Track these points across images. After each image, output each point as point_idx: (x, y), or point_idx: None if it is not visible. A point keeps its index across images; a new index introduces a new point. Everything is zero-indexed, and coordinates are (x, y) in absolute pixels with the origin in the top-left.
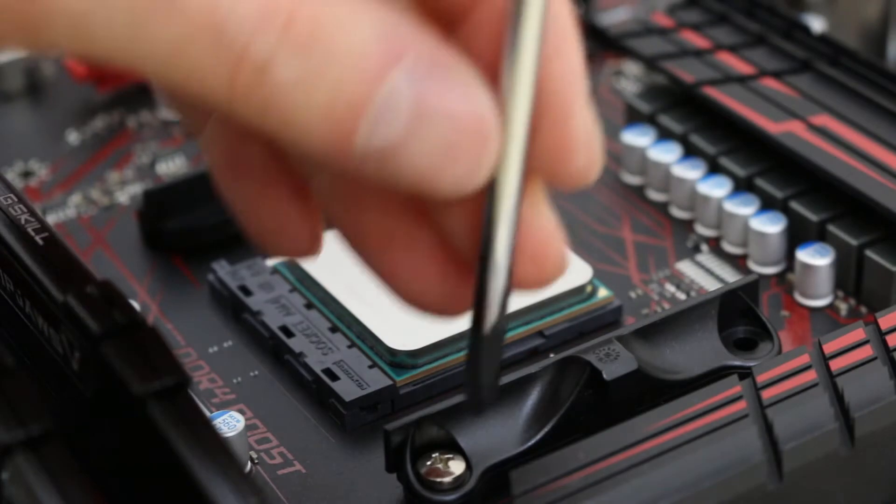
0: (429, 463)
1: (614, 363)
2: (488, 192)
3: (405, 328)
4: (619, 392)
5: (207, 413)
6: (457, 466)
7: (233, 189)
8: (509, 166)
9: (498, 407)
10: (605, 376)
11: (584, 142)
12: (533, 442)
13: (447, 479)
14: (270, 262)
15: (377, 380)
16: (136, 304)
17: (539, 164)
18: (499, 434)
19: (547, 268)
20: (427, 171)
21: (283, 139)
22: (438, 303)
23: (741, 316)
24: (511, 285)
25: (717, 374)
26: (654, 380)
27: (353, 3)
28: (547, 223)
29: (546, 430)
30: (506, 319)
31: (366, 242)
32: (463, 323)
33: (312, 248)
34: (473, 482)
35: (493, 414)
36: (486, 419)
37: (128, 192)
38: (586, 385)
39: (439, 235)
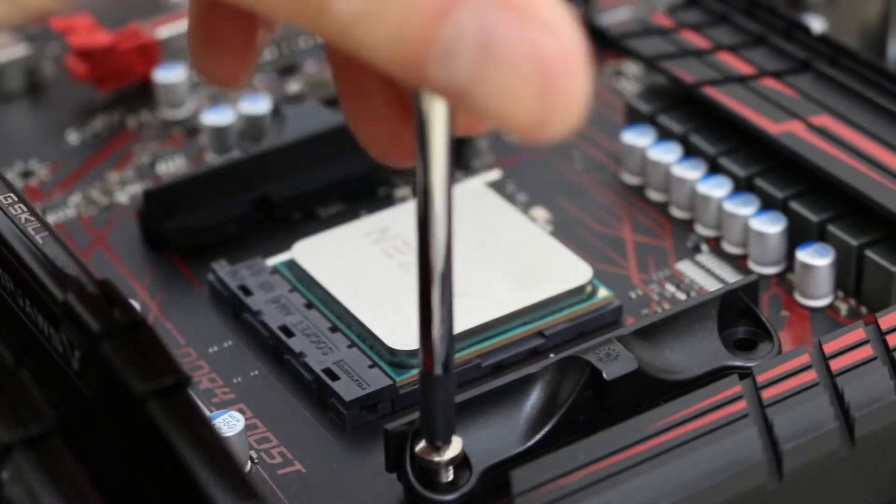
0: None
1: (614, 363)
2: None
3: (405, 328)
4: (620, 392)
5: (207, 413)
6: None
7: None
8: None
9: (498, 407)
10: (605, 376)
11: None
12: (533, 442)
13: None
14: (270, 262)
15: (377, 379)
16: (136, 304)
17: None
18: (499, 434)
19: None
20: (505, 112)
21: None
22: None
23: (741, 316)
24: (452, 335)
25: (717, 375)
26: (654, 380)
27: None
28: None
29: (546, 430)
30: (452, 362)
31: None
32: (463, 323)
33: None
34: (473, 482)
35: (493, 414)
36: (487, 419)
37: (128, 192)
38: (586, 385)
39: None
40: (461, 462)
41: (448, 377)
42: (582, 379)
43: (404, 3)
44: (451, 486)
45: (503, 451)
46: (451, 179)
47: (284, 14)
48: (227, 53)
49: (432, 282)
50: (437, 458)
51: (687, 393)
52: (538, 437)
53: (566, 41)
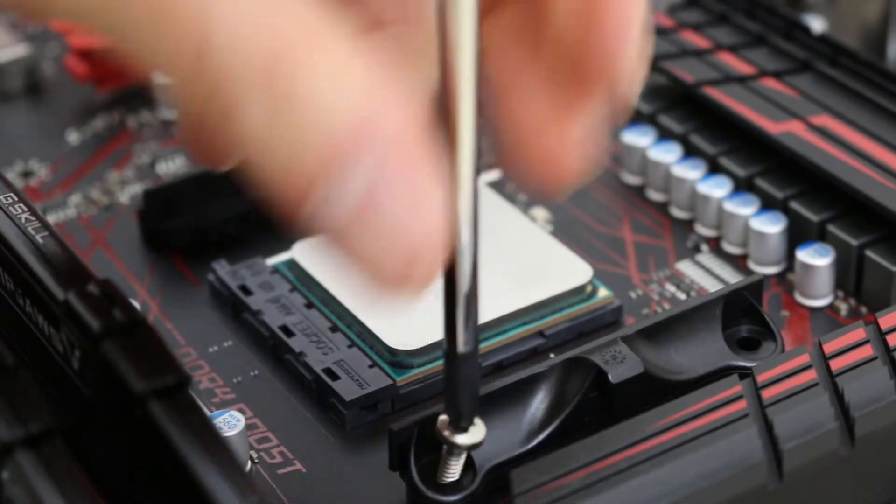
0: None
1: (620, 366)
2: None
3: (405, 328)
4: (625, 395)
5: (207, 412)
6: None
7: None
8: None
9: (502, 407)
10: (611, 379)
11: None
12: (536, 443)
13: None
14: (270, 262)
15: (377, 379)
16: (136, 304)
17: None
18: (503, 434)
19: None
20: (363, 258)
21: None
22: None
23: (744, 315)
24: (476, 309)
25: (720, 375)
26: (658, 380)
27: (345, 50)
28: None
29: (550, 430)
30: (476, 340)
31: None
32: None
33: None
34: (477, 483)
35: (497, 414)
36: (491, 419)
37: (128, 192)
38: (591, 387)
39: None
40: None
41: (475, 353)
42: (587, 381)
43: (307, 135)
44: (455, 487)
45: (507, 451)
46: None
47: (195, 113)
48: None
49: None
50: (462, 441)
51: (690, 392)
52: (541, 437)
53: (436, 227)
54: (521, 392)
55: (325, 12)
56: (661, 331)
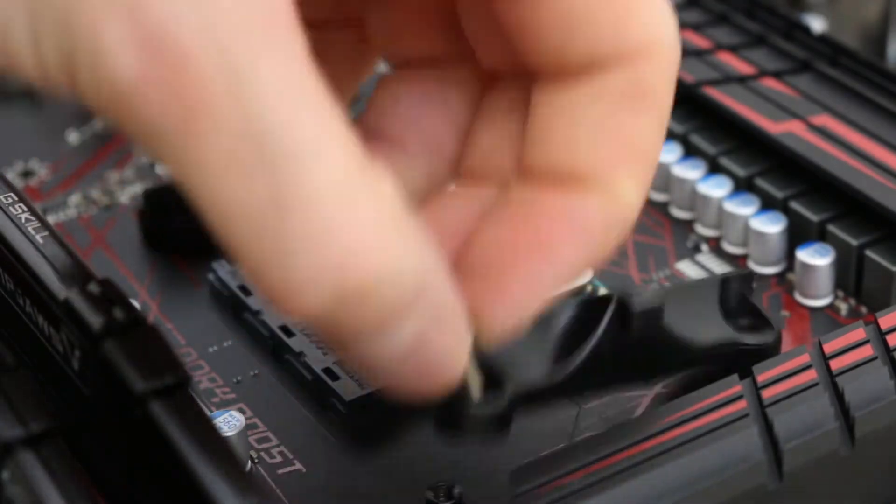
0: None
1: (641, 298)
2: None
3: None
4: (645, 328)
5: (207, 412)
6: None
7: None
8: None
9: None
10: (633, 308)
11: None
12: (561, 378)
13: None
14: None
15: None
16: (136, 304)
17: None
18: (529, 361)
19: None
20: (398, 388)
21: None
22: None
23: (738, 306)
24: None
25: (728, 352)
26: (673, 340)
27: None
28: None
29: (578, 362)
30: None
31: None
32: None
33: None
34: (505, 402)
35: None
36: (517, 344)
37: (128, 192)
38: (614, 316)
39: None
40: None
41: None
42: (610, 310)
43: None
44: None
45: (534, 378)
46: None
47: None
48: None
49: None
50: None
51: (695, 366)
52: (567, 372)
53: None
54: (545, 322)
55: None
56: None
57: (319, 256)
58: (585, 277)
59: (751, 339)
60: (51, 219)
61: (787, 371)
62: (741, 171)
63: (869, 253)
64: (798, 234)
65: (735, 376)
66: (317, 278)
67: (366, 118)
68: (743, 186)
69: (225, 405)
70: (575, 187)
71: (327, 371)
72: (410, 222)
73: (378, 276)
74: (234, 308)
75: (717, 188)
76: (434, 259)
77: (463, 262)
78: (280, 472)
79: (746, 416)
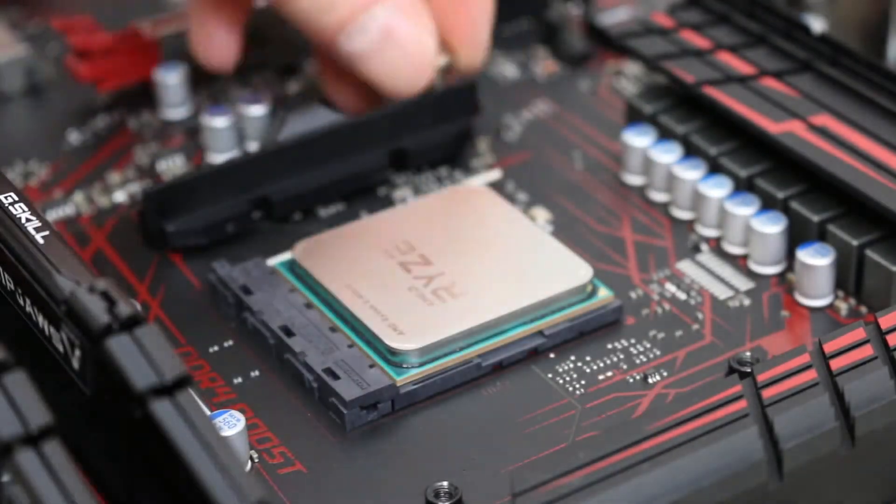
0: None
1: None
2: None
3: (405, 327)
4: None
5: (207, 412)
6: None
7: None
8: None
9: None
10: None
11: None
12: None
13: None
14: (271, 262)
15: (378, 379)
16: (136, 304)
17: None
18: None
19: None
20: (384, 77)
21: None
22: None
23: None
24: None
25: None
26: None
27: None
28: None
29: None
30: None
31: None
32: (463, 322)
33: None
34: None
35: None
36: None
37: (128, 192)
38: None
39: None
40: None
41: None
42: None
43: None
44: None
45: None
46: None
47: None
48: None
49: None
50: None
51: None
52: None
53: (430, 44)
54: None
55: None
56: None
57: None
58: (585, 277)
59: None
60: (51, 219)
61: (787, 371)
62: (741, 171)
63: (869, 253)
64: (798, 234)
65: (735, 376)
66: None
67: None
68: (743, 186)
69: (225, 405)
70: None
71: (328, 370)
72: None
73: None
74: (235, 308)
75: (717, 188)
76: None
77: None
78: (280, 472)
79: (746, 415)
